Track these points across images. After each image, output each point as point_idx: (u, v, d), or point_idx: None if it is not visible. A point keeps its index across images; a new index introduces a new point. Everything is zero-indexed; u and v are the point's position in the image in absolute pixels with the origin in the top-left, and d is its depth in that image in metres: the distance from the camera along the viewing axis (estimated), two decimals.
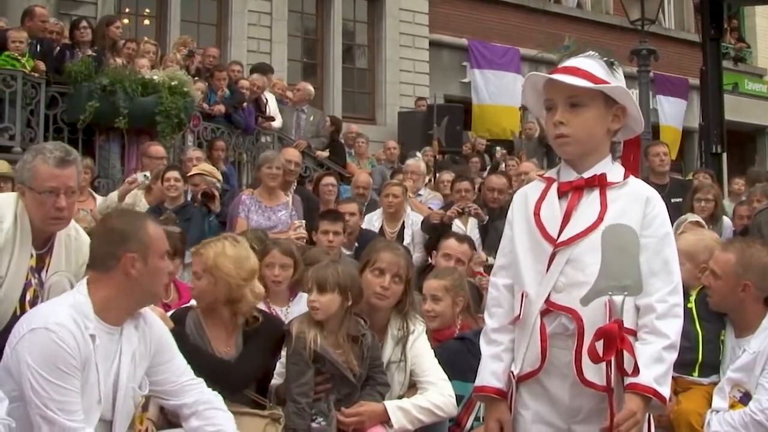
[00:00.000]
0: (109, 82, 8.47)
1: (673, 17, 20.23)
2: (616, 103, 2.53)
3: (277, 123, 10.85)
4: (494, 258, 2.88)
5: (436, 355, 3.66)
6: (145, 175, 7.25)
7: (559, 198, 2.56)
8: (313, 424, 3.32)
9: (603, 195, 2.51)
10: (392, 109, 15.14)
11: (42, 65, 8.68)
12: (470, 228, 6.81)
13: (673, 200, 6.80)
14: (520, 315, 2.55)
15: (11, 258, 3.15)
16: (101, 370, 2.80)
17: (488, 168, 11.96)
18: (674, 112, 18.76)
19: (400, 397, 3.55)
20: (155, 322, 3.09)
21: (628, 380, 2.40)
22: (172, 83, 8.72)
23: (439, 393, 3.51)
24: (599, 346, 2.37)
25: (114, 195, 7.15)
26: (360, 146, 11.83)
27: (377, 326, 3.63)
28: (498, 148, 13.24)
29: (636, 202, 2.51)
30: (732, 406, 3.47)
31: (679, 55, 18.39)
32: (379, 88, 15.51)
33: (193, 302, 3.65)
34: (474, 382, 2.70)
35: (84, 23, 9.32)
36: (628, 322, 2.44)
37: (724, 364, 3.74)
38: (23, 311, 3.10)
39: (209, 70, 10.21)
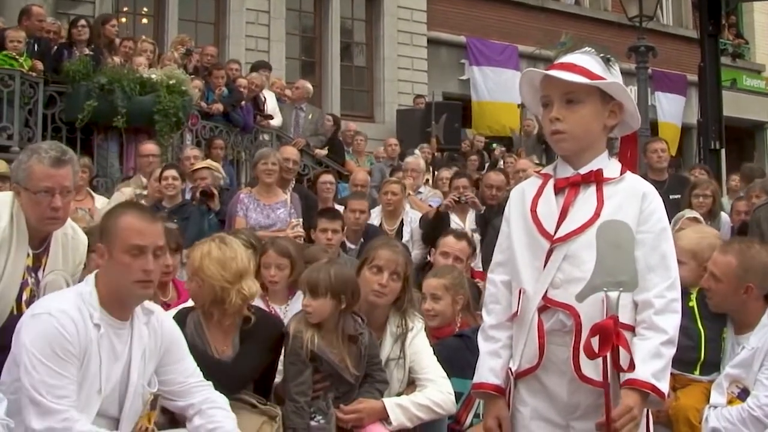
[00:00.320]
0: (107, 81, 8.45)
1: (671, 13, 20.24)
2: (612, 99, 2.53)
3: (277, 121, 10.85)
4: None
5: (435, 353, 3.66)
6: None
7: (556, 194, 2.55)
8: (313, 423, 3.32)
9: (600, 191, 2.51)
10: (391, 106, 15.15)
11: (40, 65, 8.68)
12: (468, 224, 6.80)
13: (671, 196, 6.80)
14: (517, 312, 2.55)
15: (8, 257, 3.15)
16: (104, 361, 2.80)
17: (487, 165, 11.95)
18: (673, 109, 18.77)
19: (399, 395, 3.55)
20: (167, 321, 3.09)
21: (627, 376, 2.39)
22: (170, 82, 8.71)
23: (438, 390, 3.51)
24: (595, 342, 2.36)
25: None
26: (359, 144, 11.83)
27: (376, 323, 3.63)
28: (495, 144, 13.23)
29: (633, 197, 2.50)
30: (730, 402, 3.47)
31: (677, 51, 18.39)
32: (377, 86, 15.52)
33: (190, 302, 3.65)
34: (473, 379, 2.70)
35: (82, 22, 9.29)
36: (627, 318, 2.44)
37: (725, 361, 3.72)
38: (20, 311, 3.11)
39: (207, 69, 10.21)
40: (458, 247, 5.06)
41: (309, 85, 11.60)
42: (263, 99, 10.78)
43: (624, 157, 2.69)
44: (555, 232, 2.50)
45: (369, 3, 15.68)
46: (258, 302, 3.78)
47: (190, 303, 3.65)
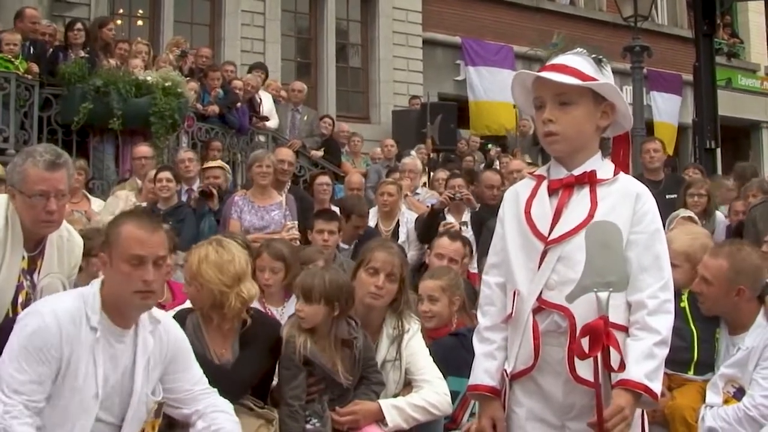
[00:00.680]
0: (102, 84, 8.46)
1: (666, 13, 20.26)
2: (604, 100, 2.53)
3: (273, 123, 10.85)
4: None
5: (430, 352, 3.66)
6: None
7: (550, 196, 2.55)
8: (308, 426, 3.31)
9: (593, 192, 2.51)
10: (386, 107, 15.14)
11: (35, 67, 8.67)
12: (463, 220, 6.81)
13: (668, 196, 6.81)
14: (512, 313, 2.55)
15: (2, 260, 3.15)
16: (101, 365, 2.78)
17: (482, 166, 11.94)
18: (668, 108, 18.78)
19: (395, 396, 3.55)
20: (174, 329, 3.07)
21: (619, 376, 2.40)
22: (166, 84, 8.71)
23: (434, 391, 3.52)
24: (585, 342, 2.37)
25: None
26: (355, 145, 11.83)
27: (372, 325, 3.63)
28: (490, 145, 13.22)
29: (626, 198, 2.51)
30: (726, 402, 3.48)
31: (672, 51, 18.40)
32: (372, 87, 15.51)
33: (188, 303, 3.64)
34: (469, 377, 2.70)
35: (78, 25, 9.29)
36: (620, 319, 2.45)
37: (719, 362, 3.72)
38: (15, 314, 3.11)
39: (202, 71, 10.20)
40: (453, 248, 5.05)
41: (304, 87, 11.63)
42: (259, 101, 10.78)
43: (616, 158, 2.70)
44: (549, 234, 2.50)
45: (364, 4, 15.67)
46: (254, 304, 3.77)
47: (186, 305, 3.63)
